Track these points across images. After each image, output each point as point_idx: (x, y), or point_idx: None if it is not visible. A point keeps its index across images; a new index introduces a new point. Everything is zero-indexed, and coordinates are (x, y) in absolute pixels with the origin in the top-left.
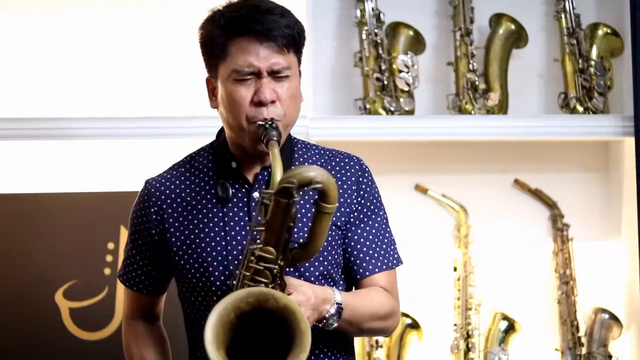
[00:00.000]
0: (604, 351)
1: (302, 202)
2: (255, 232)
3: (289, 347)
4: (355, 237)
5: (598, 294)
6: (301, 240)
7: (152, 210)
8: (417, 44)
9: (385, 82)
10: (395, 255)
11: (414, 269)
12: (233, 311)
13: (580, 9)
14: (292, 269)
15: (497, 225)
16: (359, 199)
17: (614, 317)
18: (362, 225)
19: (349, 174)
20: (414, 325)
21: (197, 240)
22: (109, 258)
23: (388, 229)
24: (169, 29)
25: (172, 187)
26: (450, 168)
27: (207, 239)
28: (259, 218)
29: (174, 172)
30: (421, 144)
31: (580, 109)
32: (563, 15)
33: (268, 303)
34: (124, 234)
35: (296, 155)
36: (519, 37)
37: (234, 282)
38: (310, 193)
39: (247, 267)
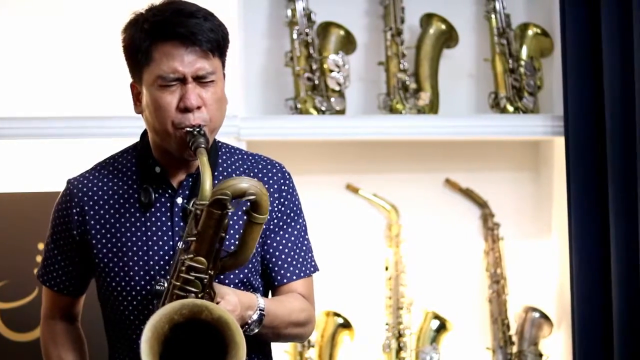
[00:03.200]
0: (534, 350)
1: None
2: (186, 242)
3: (224, 359)
4: (275, 244)
5: (529, 293)
6: (231, 248)
7: (74, 210)
8: (348, 43)
9: (316, 82)
10: (313, 263)
11: (345, 268)
12: (167, 323)
13: (510, 9)
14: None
15: (428, 225)
16: (280, 207)
17: (544, 316)
18: (281, 232)
19: (271, 181)
20: (346, 325)
21: (119, 245)
22: (38, 258)
23: (306, 236)
24: (91, 29)
25: (95, 188)
26: (381, 168)
27: (129, 244)
28: (192, 228)
29: (96, 174)
30: (352, 144)
31: (510, 108)
32: (493, 16)
33: (202, 314)
34: None
35: (220, 161)
36: (449, 37)
37: (158, 287)
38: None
39: (178, 277)
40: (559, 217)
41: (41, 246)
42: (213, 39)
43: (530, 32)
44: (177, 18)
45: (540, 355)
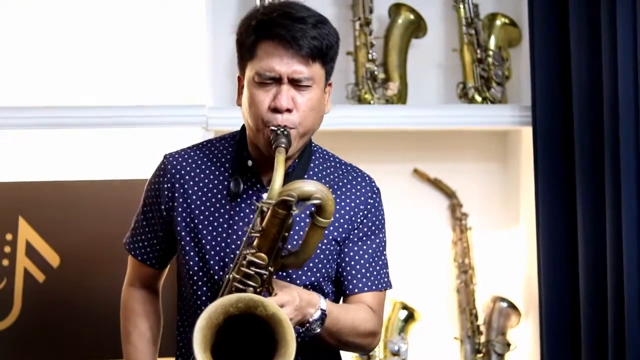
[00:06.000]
0: (502, 339)
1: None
2: (250, 237)
3: (273, 355)
4: (351, 254)
5: (496, 283)
6: (293, 248)
7: (166, 186)
8: None
9: None
10: (387, 279)
11: None
12: (222, 314)
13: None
14: (282, 274)
15: (397, 215)
16: (363, 219)
17: (512, 306)
18: (359, 243)
19: (358, 193)
20: None
21: (200, 227)
22: (7, 249)
23: (385, 252)
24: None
25: (188, 168)
26: (349, 158)
27: (210, 228)
28: (257, 224)
29: (192, 154)
30: (320, 134)
31: (478, 98)
32: (461, 6)
33: (257, 310)
34: (22, 225)
35: (312, 165)
36: (417, 27)
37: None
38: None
39: (238, 270)
40: (527, 207)
41: (9, 237)
42: (314, 46)
43: (498, 22)
44: (283, 20)
45: (508, 344)
